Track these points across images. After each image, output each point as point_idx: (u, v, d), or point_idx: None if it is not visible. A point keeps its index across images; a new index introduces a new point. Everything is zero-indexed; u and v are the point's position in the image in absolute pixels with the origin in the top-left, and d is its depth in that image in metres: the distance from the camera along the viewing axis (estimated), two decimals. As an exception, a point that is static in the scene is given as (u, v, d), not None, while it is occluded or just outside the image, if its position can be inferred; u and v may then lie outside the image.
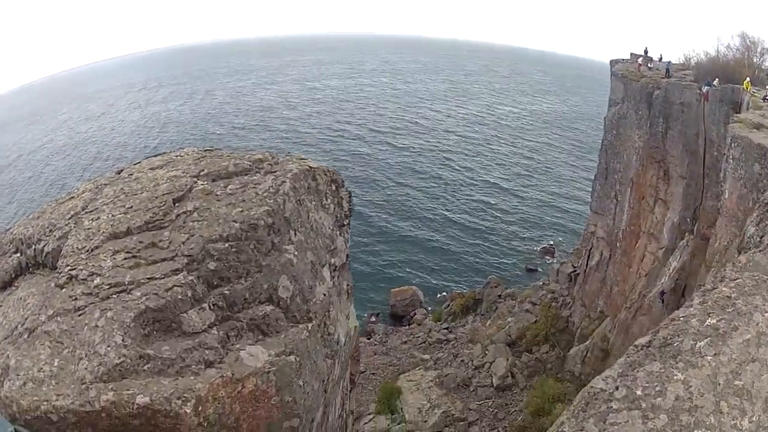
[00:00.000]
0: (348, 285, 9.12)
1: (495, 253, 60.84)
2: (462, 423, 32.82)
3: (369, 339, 44.85)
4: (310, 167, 7.90)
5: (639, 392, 4.34)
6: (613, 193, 36.27)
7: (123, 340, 5.40)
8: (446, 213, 68.35)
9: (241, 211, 6.47)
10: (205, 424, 5.23)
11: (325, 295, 7.30)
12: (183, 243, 6.14)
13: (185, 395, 5.13)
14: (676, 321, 5.07)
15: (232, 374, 5.45)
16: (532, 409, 31.27)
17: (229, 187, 7.02)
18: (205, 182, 7.22)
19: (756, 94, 22.42)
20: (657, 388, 4.41)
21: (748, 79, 23.78)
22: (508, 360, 36.75)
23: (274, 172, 7.39)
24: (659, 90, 29.40)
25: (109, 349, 5.35)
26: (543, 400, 31.22)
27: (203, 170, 7.50)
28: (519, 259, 59.88)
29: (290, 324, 6.43)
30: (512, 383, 35.69)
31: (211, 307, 5.86)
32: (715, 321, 4.89)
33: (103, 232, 6.65)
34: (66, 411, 4.97)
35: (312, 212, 7.61)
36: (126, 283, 5.91)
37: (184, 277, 5.83)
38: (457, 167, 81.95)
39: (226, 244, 6.08)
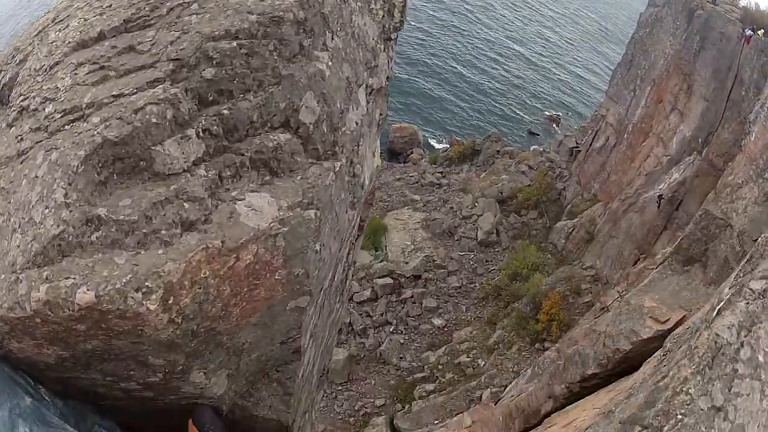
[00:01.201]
0: (381, 115, 7.18)
1: (501, 111, 58.72)
2: (442, 271, 32.86)
3: (363, 172, 43.90)
4: None
5: (761, 358, 4.00)
6: (633, 86, 35.24)
7: (66, 196, 3.61)
8: (457, 66, 64.50)
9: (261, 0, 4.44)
10: (179, 320, 3.64)
11: (357, 123, 5.43)
12: (171, 43, 4.15)
13: (148, 284, 3.44)
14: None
15: (223, 243, 3.69)
16: (510, 272, 31.28)
17: None
18: None
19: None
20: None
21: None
22: (495, 216, 36.36)
23: None
24: (702, 11, 28.87)
25: (47, 212, 3.61)
26: (522, 266, 31.21)
27: None
28: (523, 121, 58.13)
29: (310, 161, 4.55)
30: (496, 241, 35.54)
31: (201, 134, 3.94)
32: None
33: (69, 42, 4.68)
34: None
35: (356, 15, 5.55)
36: (83, 106, 4.00)
37: (164, 90, 3.87)
38: (475, 19, 75.80)
39: (234, 43, 4.05)
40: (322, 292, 5.41)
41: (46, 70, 4.68)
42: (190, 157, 3.80)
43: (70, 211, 3.53)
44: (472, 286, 32.47)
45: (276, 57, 4.22)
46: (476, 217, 36.92)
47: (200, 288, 3.61)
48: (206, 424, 4.53)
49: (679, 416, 4.27)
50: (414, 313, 30.84)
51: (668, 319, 13.95)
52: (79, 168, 3.61)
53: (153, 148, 3.73)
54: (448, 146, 49.11)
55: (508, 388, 22.54)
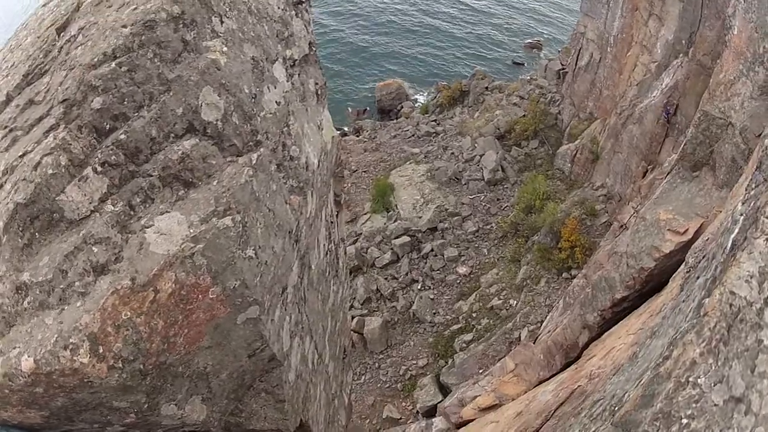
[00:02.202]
0: (317, 84, 6.57)
1: (481, 46, 57.43)
2: (456, 218, 32.55)
3: (358, 136, 43.57)
4: None
5: None
6: None
7: None
8: (425, 17, 63.18)
9: (134, 9, 4.08)
10: (120, 365, 3.58)
11: (279, 103, 5.08)
12: (60, 84, 3.94)
13: (72, 340, 3.44)
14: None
15: (133, 279, 3.52)
16: (523, 206, 30.86)
17: None
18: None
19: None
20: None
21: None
22: (498, 153, 35.81)
23: None
24: None
25: None
26: (534, 197, 30.72)
27: None
28: (505, 52, 56.83)
29: (228, 160, 4.26)
30: (503, 177, 35.07)
31: (98, 169, 3.73)
32: None
33: None
34: None
35: None
36: (0, 174, 3.98)
37: (54, 138, 3.73)
38: None
39: (113, 64, 3.77)
40: (289, 291, 5.19)
41: None
42: (93, 196, 3.59)
43: (3, 284, 3.62)
44: (488, 227, 32.13)
45: (158, 63, 3.90)
46: (479, 158, 36.42)
47: (128, 330, 3.45)
48: None
49: (685, 420, 3.20)
50: (438, 266, 30.65)
51: (687, 230, 13.61)
52: (2, 239, 3.64)
53: (57, 198, 3.61)
54: (436, 93, 48.31)
55: (544, 324, 22.41)
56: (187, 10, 4.11)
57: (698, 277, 4.79)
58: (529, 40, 58.53)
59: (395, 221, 33.03)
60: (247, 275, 3.99)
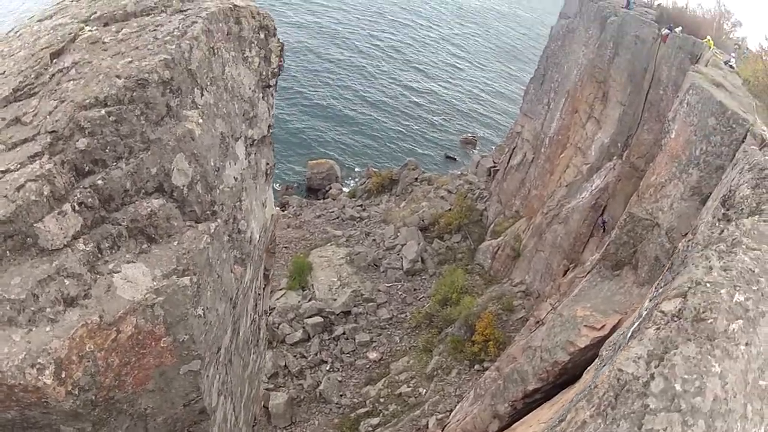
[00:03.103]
0: (268, 164, 7.11)
1: (416, 138, 59.45)
2: (371, 304, 32.78)
3: (283, 211, 43.35)
4: (234, 5, 5.92)
5: (678, 388, 3.58)
6: (546, 99, 35.90)
7: None
8: (370, 91, 65.45)
9: (130, 62, 4.50)
10: (76, 392, 3.83)
11: (236, 179, 5.55)
12: (50, 113, 4.25)
13: (40, 361, 3.68)
14: (701, 285, 4.33)
15: (101, 317, 3.82)
16: (439, 298, 31.44)
17: (123, 31, 4.92)
18: (95, 28, 5.12)
19: (718, 55, 22.81)
20: (696, 384, 3.62)
21: (709, 38, 24.09)
22: (419, 245, 36.67)
23: (185, 11, 5.38)
24: (616, 17, 29.29)
25: None
26: (451, 290, 31.37)
27: (95, 12, 5.32)
28: (439, 146, 58.94)
29: (187, 224, 4.66)
30: (422, 268, 35.80)
31: (76, 208, 4.07)
32: (743, 299, 4.22)
33: None
34: None
35: (229, 66, 5.66)
36: None
37: (41, 166, 4.01)
38: (384, 47, 76.99)
39: (103, 111, 4.14)
40: (222, 351, 5.46)
41: None
42: (68, 231, 3.89)
43: None
44: (403, 316, 32.52)
45: (144, 122, 4.33)
46: (400, 247, 37.21)
47: (89, 361, 3.74)
48: None
49: (575, 472, 3.38)
50: (348, 349, 30.58)
51: (603, 326, 14.33)
52: None
53: (35, 225, 3.86)
54: (365, 179, 49.30)
55: (453, 413, 22.64)
56: (176, 77, 4.58)
57: (604, 365, 5.48)
58: (465, 136, 60.73)
59: (309, 300, 33.02)
60: (196, 331, 4.33)
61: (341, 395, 28.63)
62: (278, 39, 7.34)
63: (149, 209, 4.28)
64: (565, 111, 32.89)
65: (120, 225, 4.08)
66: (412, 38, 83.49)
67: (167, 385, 4.45)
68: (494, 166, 42.69)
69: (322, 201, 46.53)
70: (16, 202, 3.81)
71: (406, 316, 32.43)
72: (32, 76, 4.71)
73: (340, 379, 29.39)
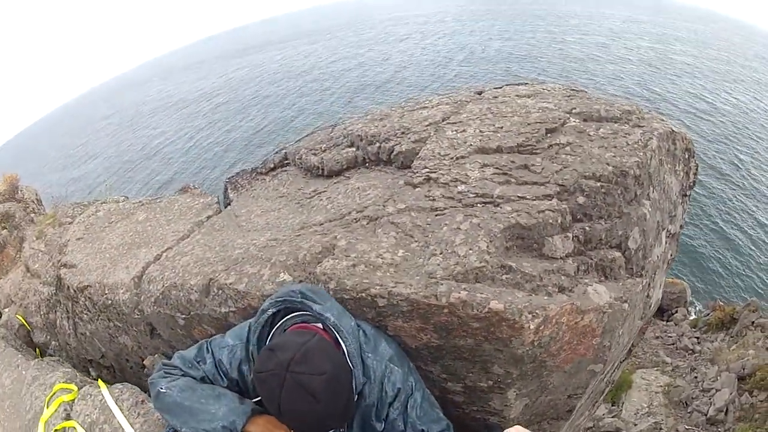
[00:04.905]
0: (671, 255, 8.84)
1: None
2: (667, 442, 31.36)
3: (639, 322, 43.44)
4: (672, 130, 7.73)
5: None
6: None
7: (487, 247, 5.43)
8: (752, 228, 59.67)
9: (614, 156, 6.52)
10: (536, 344, 5.23)
11: (657, 257, 7.21)
12: (556, 172, 6.25)
13: (536, 311, 5.07)
14: None
15: (577, 306, 5.47)
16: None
17: (601, 130, 7.11)
18: (577, 120, 7.35)
19: None
20: None
21: None
22: (731, 394, 33.67)
23: (642, 126, 7.28)
24: None
25: (470, 251, 5.37)
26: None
27: (575, 108, 7.60)
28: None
29: (627, 275, 6.43)
30: (722, 420, 32.87)
31: (572, 238, 6.02)
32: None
33: (470, 144, 6.88)
34: (402, 298, 4.85)
35: (666, 174, 7.48)
36: (494, 196, 6.05)
37: (557, 204, 5.92)
38: None
39: (597, 183, 6.21)
40: (599, 376, 7.14)
41: (452, 158, 6.73)
42: (566, 251, 6.03)
43: (490, 256, 5.38)
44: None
45: (620, 199, 6.45)
46: (714, 392, 34.61)
47: (557, 328, 5.33)
48: None
49: None
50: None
51: None
52: (497, 234, 5.59)
53: (546, 237, 5.86)
54: (709, 311, 46.55)
55: None
56: (642, 176, 6.65)
57: None
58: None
59: (613, 416, 32.64)
60: (614, 343, 6.25)
61: None
62: (695, 160, 9.07)
63: (612, 257, 6.21)
64: None
65: (592, 259, 6.14)
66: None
67: (575, 373, 6.05)
68: None
69: (665, 322, 45.25)
70: (537, 219, 5.67)
71: (695, 466, 30.14)
72: (533, 140, 6.64)
73: None
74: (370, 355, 3.91)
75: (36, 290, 9.30)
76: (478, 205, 5.92)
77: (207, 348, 4.02)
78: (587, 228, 6.23)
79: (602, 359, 6.27)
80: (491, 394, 5.77)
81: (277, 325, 3.71)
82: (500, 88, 9.10)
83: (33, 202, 14.22)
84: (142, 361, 7.10)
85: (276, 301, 3.77)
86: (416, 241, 5.60)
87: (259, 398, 3.59)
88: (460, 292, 4.84)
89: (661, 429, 32.27)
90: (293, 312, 3.73)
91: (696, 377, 37.71)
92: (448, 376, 5.53)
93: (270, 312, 3.74)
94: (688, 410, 35.09)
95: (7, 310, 10.51)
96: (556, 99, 7.98)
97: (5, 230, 12.77)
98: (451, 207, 5.96)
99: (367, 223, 6.13)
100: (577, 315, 5.58)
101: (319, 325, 3.67)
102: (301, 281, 4.95)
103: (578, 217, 6.23)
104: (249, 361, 3.86)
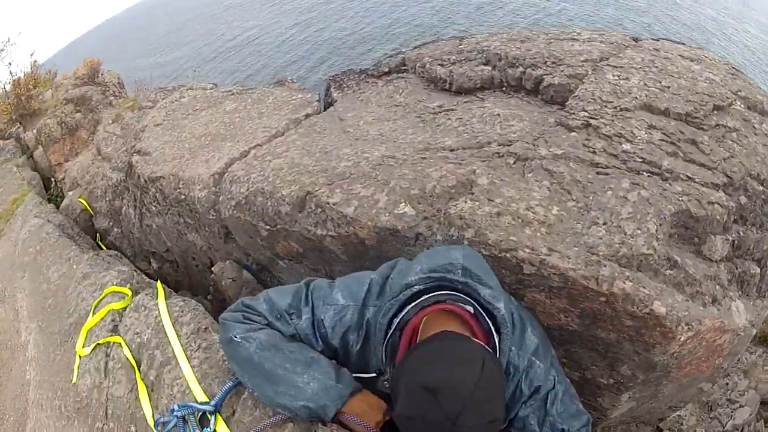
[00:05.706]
0: None
1: None
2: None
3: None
4: None
5: None
6: None
7: (656, 231, 4.45)
8: None
9: None
10: (674, 355, 4.59)
11: None
12: (724, 159, 5.29)
13: (692, 323, 4.24)
14: None
15: (726, 323, 4.74)
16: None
17: (764, 125, 6.07)
18: (742, 106, 6.36)
19: None
20: None
21: None
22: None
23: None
24: None
25: (638, 232, 4.42)
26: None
27: (740, 91, 6.31)
28: None
29: (756, 293, 5.65)
30: (746, 433, 32.38)
31: (730, 242, 5.20)
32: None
33: (635, 96, 5.81)
34: (556, 272, 3.92)
35: None
36: (662, 168, 5.07)
37: (725, 199, 5.00)
38: None
39: (760, 187, 5.37)
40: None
41: (615, 107, 5.60)
42: (722, 254, 5.07)
43: (659, 244, 4.33)
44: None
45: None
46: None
47: (698, 342, 4.54)
48: None
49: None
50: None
51: None
52: (667, 218, 4.55)
53: (710, 235, 4.95)
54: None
55: None
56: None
57: None
58: None
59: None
60: (731, 366, 5.57)
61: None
62: None
63: (753, 271, 5.46)
64: None
65: (737, 269, 5.36)
66: None
67: (686, 388, 5.61)
68: None
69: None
70: (706, 210, 4.79)
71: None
72: (701, 113, 5.58)
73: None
74: (513, 348, 3.11)
75: (104, 175, 8.93)
76: (644, 173, 4.96)
77: (307, 298, 3.12)
78: (741, 233, 5.30)
79: (714, 380, 5.66)
80: (606, 391, 5.05)
81: (416, 301, 2.89)
82: (658, 40, 8.09)
83: (114, 85, 13.76)
84: (211, 265, 6.50)
85: (429, 277, 2.92)
86: (574, 200, 4.60)
87: (360, 374, 2.99)
88: (625, 282, 3.95)
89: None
90: (441, 290, 2.93)
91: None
92: (570, 362, 4.75)
93: (417, 289, 2.89)
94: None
95: (71, 193, 10.12)
96: (721, 74, 6.84)
97: (79, 113, 12.34)
98: (615, 168, 4.98)
99: (514, 163, 5.05)
100: (719, 333, 4.81)
101: (469, 308, 2.89)
102: (425, 218, 4.11)
103: (735, 218, 5.27)
104: (360, 328, 3.03)
